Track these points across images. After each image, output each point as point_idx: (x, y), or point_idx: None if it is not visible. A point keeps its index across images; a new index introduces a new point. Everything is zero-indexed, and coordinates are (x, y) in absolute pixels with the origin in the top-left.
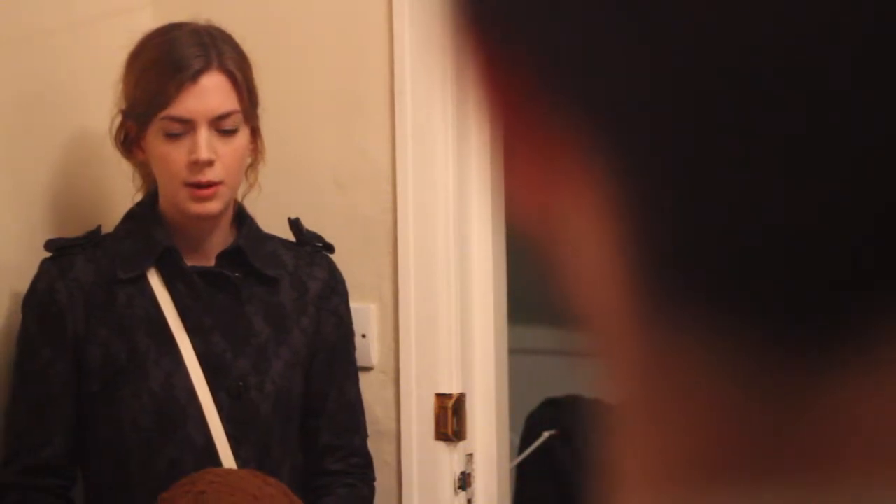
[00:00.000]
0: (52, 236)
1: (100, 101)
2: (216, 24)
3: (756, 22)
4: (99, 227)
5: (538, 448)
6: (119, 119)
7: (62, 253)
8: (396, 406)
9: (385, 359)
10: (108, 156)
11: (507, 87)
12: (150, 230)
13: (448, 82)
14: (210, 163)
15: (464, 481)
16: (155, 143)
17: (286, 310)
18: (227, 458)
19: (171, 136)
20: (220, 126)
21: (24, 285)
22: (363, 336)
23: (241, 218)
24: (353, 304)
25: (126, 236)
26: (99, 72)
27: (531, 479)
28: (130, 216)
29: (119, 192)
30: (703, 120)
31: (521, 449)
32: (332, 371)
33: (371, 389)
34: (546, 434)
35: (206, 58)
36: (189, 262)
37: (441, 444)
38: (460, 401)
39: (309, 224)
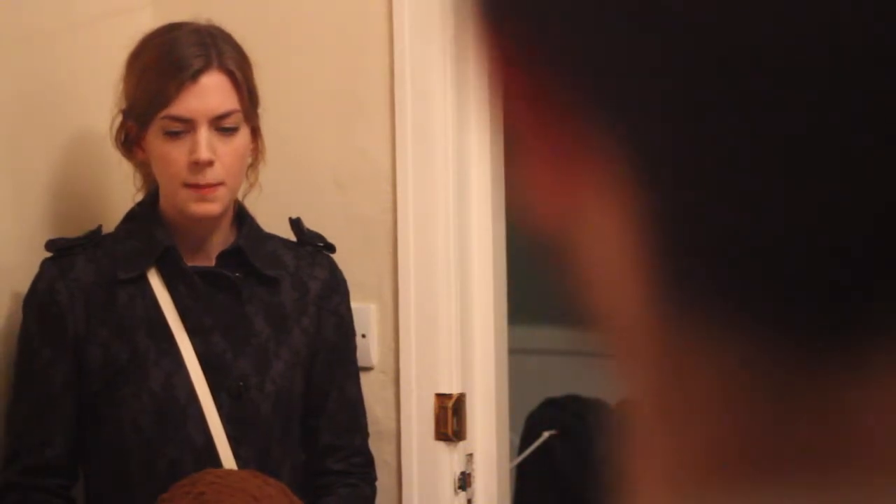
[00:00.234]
0: (52, 236)
1: (100, 101)
2: (216, 24)
3: (756, 22)
4: (99, 227)
5: (538, 448)
6: (119, 119)
7: (62, 253)
8: (396, 406)
9: (385, 359)
10: (109, 156)
11: (520, 87)
12: (151, 230)
13: (448, 81)
14: (210, 163)
15: (464, 481)
16: (155, 142)
17: (287, 310)
18: (227, 459)
19: (172, 136)
20: (221, 125)
21: (24, 285)
22: (363, 336)
23: (242, 218)
24: (353, 304)
25: (126, 236)
26: (99, 72)
27: (531, 479)
28: (131, 216)
29: (119, 192)
30: (712, 119)
31: (521, 449)
32: (333, 371)
33: (371, 389)
34: (546, 434)
35: (206, 57)
36: (189, 262)
37: (441, 444)
38: (460, 401)
39: (309, 224)
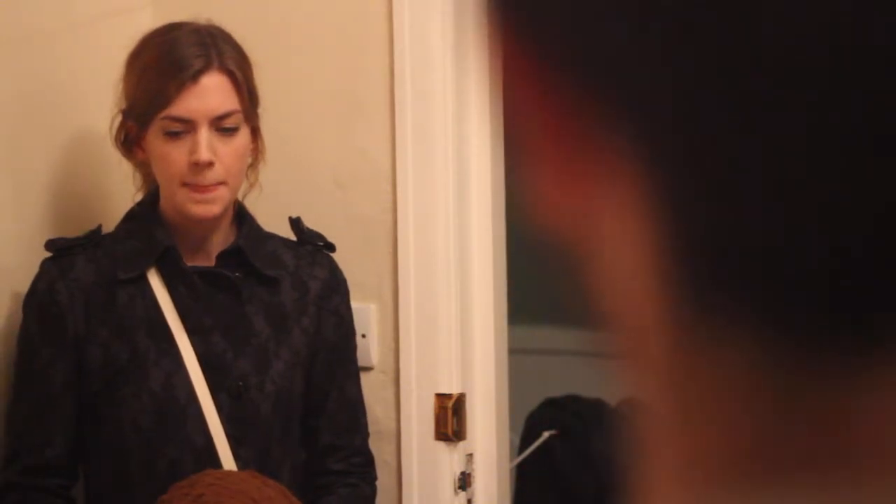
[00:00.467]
0: (52, 236)
1: (100, 101)
2: (216, 24)
3: (756, 22)
4: (99, 227)
5: (538, 448)
6: (119, 119)
7: (62, 253)
8: (396, 406)
9: (385, 359)
10: (109, 156)
11: (526, 87)
12: (151, 230)
13: (448, 81)
14: (210, 164)
15: (464, 481)
16: (155, 142)
17: (286, 309)
18: (227, 459)
19: (172, 137)
20: (221, 126)
21: (24, 285)
22: (363, 336)
23: (242, 217)
24: (353, 304)
25: (126, 236)
26: (99, 72)
27: (531, 479)
28: (131, 216)
29: (119, 192)
30: (712, 119)
31: (521, 449)
32: (333, 371)
33: (371, 389)
34: (546, 434)
35: (206, 58)
36: (189, 262)
37: (441, 444)
38: (460, 401)
39: (309, 224)
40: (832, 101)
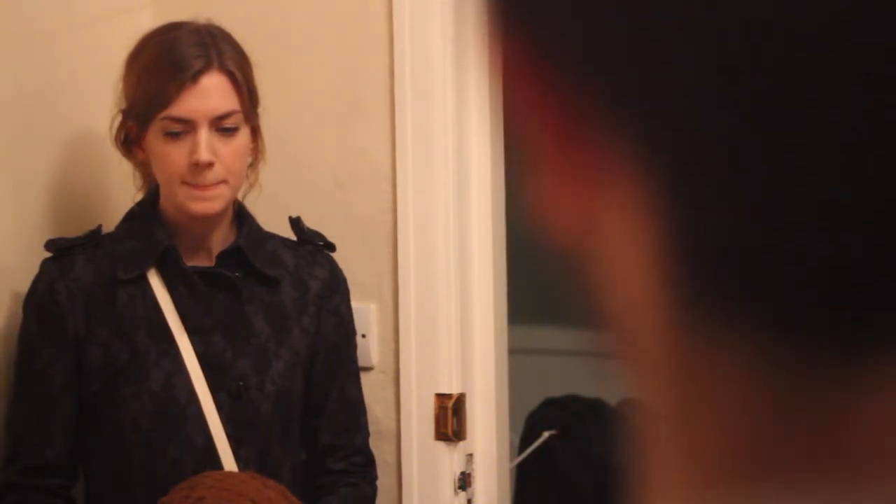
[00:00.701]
0: (52, 236)
1: (100, 102)
2: (216, 24)
3: (757, 20)
4: (99, 227)
5: (538, 448)
6: (119, 119)
7: (62, 253)
8: (396, 406)
9: (385, 359)
10: (109, 156)
11: (527, 88)
12: (151, 230)
13: (448, 81)
14: (210, 164)
15: (464, 481)
16: (155, 143)
17: (286, 309)
18: (227, 459)
19: (172, 137)
20: (221, 126)
21: (24, 285)
22: (363, 336)
23: (242, 217)
24: (353, 304)
25: (126, 236)
26: (99, 72)
27: (531, 479)
28: (131, 216)
29: (119, 191)
30: (712, 119)
31: (521, 449)
32: (333, 370)
33: (371, 389)
34: (546, 434)
35: (206, 58)
36: (189, 262)
37: (441, 444)
38: (460, 401)
39: (309, 224)
40: (832, 99)
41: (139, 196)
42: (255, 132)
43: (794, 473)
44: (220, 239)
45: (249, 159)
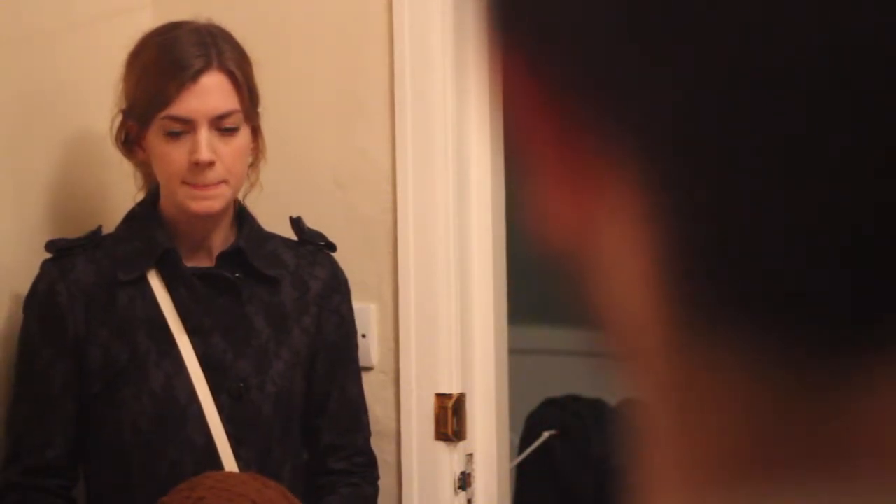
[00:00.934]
0: (52, 236)
1: (100, 102)
2: (216, 23)
3: (757, 23)
4: (99, 228)
5: (538, 448)
6: (119, 119)
7: (63, 254)
8: (396, 406)
9: (385, 359)
10: (109, 156)
11: (532, 87)
12: (151, 231)
13: (448, 81)
14: (211, 164)
15: (464, 481)
16: (155, 142)
17: (287, 309)
18: (228, 459)
19: (172, 136)
20: (221, 125)
21: (24, 286)
22: (363, 336)
23: (242, 217)
24: (353, 304)
25: (126, 237)
26: (99, 72)
27: (531, 479)
28: (131, 216)
29: (120, 192)
30: (713, 120)
31: (521, 449)
32: (335, 370)
33: (371, 389)
34: (546, 434)
35: (206, 57)
36: (190, 263)
37: (441, 444)
38: (460, 401)
39: (309, 224)
40: (832, 101)
41: (140, 196)
42: (256, 132)
43: (794, 474)
44: (221, 239)
45: (250, 159)
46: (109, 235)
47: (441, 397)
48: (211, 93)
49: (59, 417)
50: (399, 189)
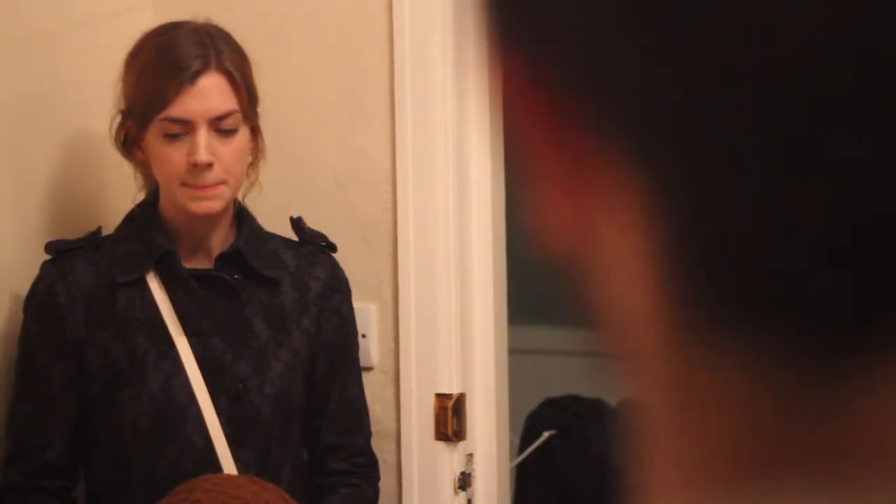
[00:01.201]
0: (52, 237)
1: (100, 102)
2: (215, 23)
3: (756, 23)
4: (99, 229)
5: (538, 448)
6: (118, 119)
7: (62, 255)
8: (396, 406)
9: (385, 359)
10: (109, 156)
11: (532, 87)
12: (150, 232)
13: (448, 81)
14: (209, 165)
15: (464, 481)
16: (154, 143)
17: (286, 310)
18: (227, 461)
19: (171, 137)
20: (220, 126)
21: (24, 287)
22: (363, 336)
23: (242, 218)
24: (353, 304)
25: (125, 238)
26: (99, 72)
27: (531, 479)
28: (130, 217)
29: (119, 192)
30: (713, 120)
31: (521, 449)
32: (335, 370)
33: (371, 389)
34: (546, 434)
35: (204, 58)
36: (189, 264)
37: (441, 444)
38: (460, 401)
39: (309, 224)
40: (832, 101)
41: (139, 196)
42: (255, 132)
43: (794, 474)
44: (220, 240)
45: (249, 159)
46: (109, 237)
47: (441, 397)
48: (209, 94)
49: (59, 418)
50: (399, 189)
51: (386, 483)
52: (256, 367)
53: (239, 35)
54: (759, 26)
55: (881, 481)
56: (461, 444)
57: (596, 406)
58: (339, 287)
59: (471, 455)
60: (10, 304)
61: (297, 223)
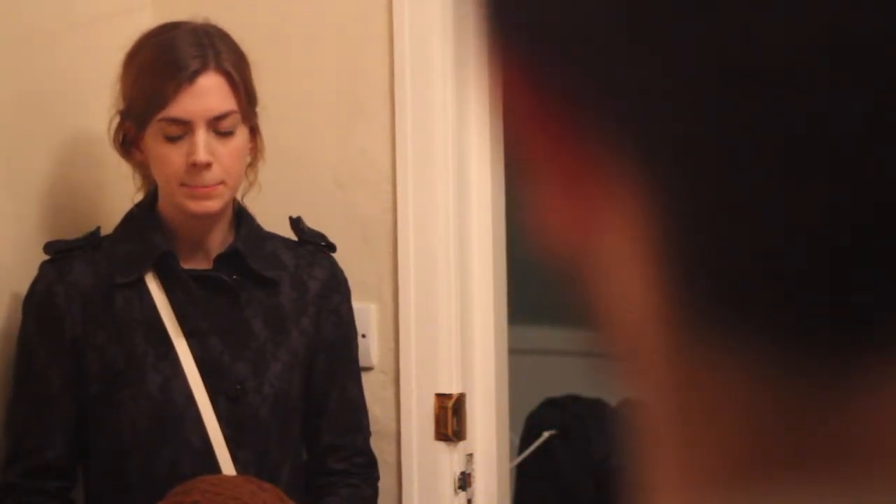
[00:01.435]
0: (50, 238)
1: (100, 102)
2: (214, 23)
3: (757, 22)
4: (98, 229)
5: (538, 448)
6: (117, 120)
7: (61, 256)
8: (396, 406)
9: (385, 359)
10: (108, 157)
11: (531, 87)
12: (148, 233)
13: (448, 81)
14: (208, 165)
15: (464, 481)
16: (153, 144)
17: (285, 311)
18: (225, 461)
19: (169, 138)
20: (218, 127)
21: (23, 286)
22: (363, 336)
23: (241, 218)
24: (353, 304)
25: (124, 239)
26: (99, 72)
27: (531, 479)
28: (129, 218)
29: (118, 193)
30: (713, 121)
31: (521, 449)
32: (334, 370)
33: (371, 389)
34: (546, 434)
35: (203, 58)
36: (187, 265)
37: (441, 444)
38: (460, 401)
39: (309, 224)
40: (832, 101)
41: (138, 196)
42: (254, 132)
43: (794, 474)
44: (219, 241)
45: (248, 159)
46: (108, 237)
47: (441, 397)
48: (208, 94)
49: (57, 418)
50: (399, 189)
51: (386, 483)
52: (255, 368)
53: (239, 35)
54: (759, 26)
55: (881, 481)
56: (461, 444)
57: (596, 406)
58: (338, 287)
59: (471, 455)
60: (9, 304)
61: (296, 223)
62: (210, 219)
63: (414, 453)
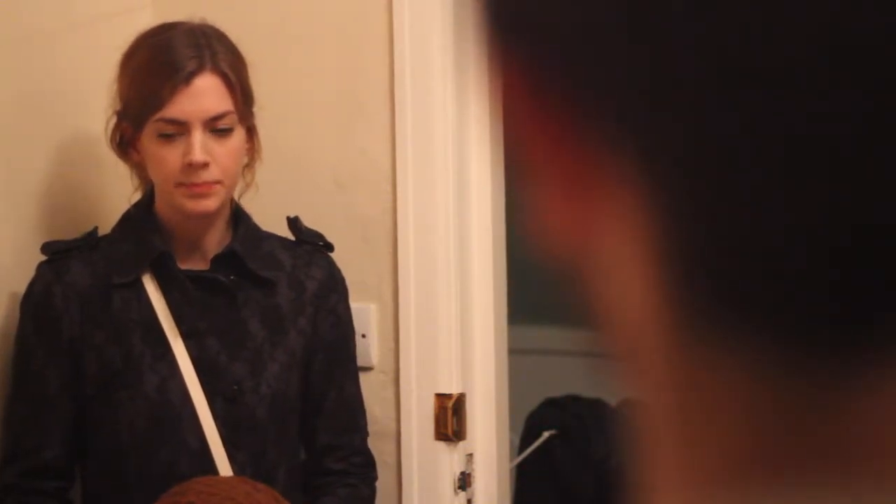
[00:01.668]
0: (48, 238)
1: (99, 102)
2: (211, 23)
3: (757, 22)
4: (95, 229)
5: (538, 448)
6: (114, 120)
7: (58, 256)
8: (396, 406)
9: (385, 359)
10: (106, 157)
11: (531, 87)
12: (146, 233)
13: (448, 81)
14: (205, 165)
15: (464, 481)
16: (150, 144)
17: (283, 311)
18: (222, 462)
19: (166, 138)
20: (215, 127)
21: (21, 286)
22: (363, 336)
23: (238, 218)
24: (353, 304)
25: (121, 239)
26: (98, 72)
27: (531, 479)
28: (126, 218)
29: (116, 193)
30: (712, 121)
31: (521, 449)
32: (332, 370)
33: (371, 389)
34: (546, 434)
35: (199, 59)
36: (184, 265)
37: (441, 444)
38: (460, 401)
39: (309, 224)
40: (832, 101)
41: (136, 196)
42: (251, 132)
43: (794, 474)
44: (216, 241)
45: (245, 159)
46: (105, 237)
47: (441, 397)
48: (204, 94)
49: (55, 418)
50: (399, 189)
51: (386, 483)
52: (252, 369)
53: (239, 35)
54: (759, 26)
55: (881, 481)
56: (461, 444)
57: (596, 406)
58: (335, 287)
59: (471, 455)
60: (7, 304)
61: (293, 223)
62: (207, 218)
63: (414, 453)
